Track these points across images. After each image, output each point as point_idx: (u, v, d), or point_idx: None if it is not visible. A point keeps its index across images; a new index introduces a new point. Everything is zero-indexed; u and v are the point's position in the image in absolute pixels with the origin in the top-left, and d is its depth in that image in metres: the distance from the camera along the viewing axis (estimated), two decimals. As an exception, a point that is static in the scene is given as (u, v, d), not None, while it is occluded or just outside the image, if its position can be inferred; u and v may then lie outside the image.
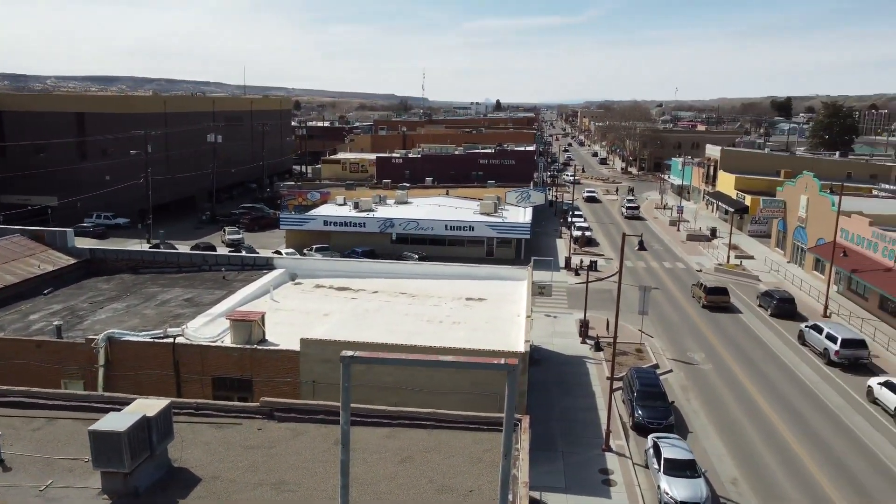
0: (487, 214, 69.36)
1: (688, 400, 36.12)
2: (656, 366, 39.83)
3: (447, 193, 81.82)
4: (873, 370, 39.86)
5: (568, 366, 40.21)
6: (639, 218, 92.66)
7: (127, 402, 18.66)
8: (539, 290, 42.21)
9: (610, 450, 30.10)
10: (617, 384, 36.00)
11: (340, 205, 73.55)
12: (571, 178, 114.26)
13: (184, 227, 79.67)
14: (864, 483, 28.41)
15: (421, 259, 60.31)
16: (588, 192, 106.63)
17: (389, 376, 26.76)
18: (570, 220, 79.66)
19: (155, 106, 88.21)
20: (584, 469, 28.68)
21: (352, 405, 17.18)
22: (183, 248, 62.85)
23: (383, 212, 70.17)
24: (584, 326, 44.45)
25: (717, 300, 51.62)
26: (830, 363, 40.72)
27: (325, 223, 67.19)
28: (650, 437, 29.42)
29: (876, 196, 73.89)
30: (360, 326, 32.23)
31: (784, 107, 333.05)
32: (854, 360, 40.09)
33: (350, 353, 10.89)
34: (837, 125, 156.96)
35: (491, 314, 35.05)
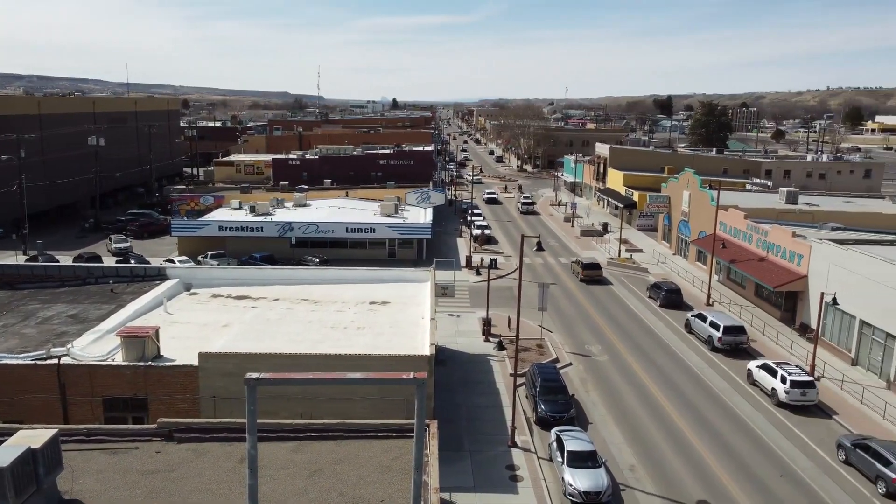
0: (388, 216, 69.29)
1: (587, 392, 37.58)
2: (556, 360, 41.18)
3: (347, 195, 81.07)
4: (752, 354, 42.90)
5: (472, 364, 40.86)
6: (534, 213, 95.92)
7: (8, 433, 17.37)
8: (442, 292, 42.65)
9: (515, 445, 30.87)
10: (520, 380, 36.99)
11: (236, 209, 71.31)
12: (472, 177, 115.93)
13: (65, 236, 74.74)
14: (747, 461, 30.56)
15: (322, 263, 59.50)
16: (488, 193, 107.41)
17: (296, 386, 26.28)
18: (469, 218, 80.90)
19: (28, 107, 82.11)
20: (492, 466, 29.28)
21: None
22: (65, 259, 58.99)
23: (281, 215, 68.65)
24: (486, 325, 45.27)
25: (591, 274, 60.40)
26: (714, 349, 43.49)
27: (221, 228, 64.94)
28: (553, 430, 30.40)
29: (749, 190, 79.45)
30: (262, 336, 31.46)
31: (665, 105, 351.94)
32: (735, 345, 43.04)
33: (255, 375, 10.64)
34: (713, 123, 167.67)
35: (395, 317, 35.10)
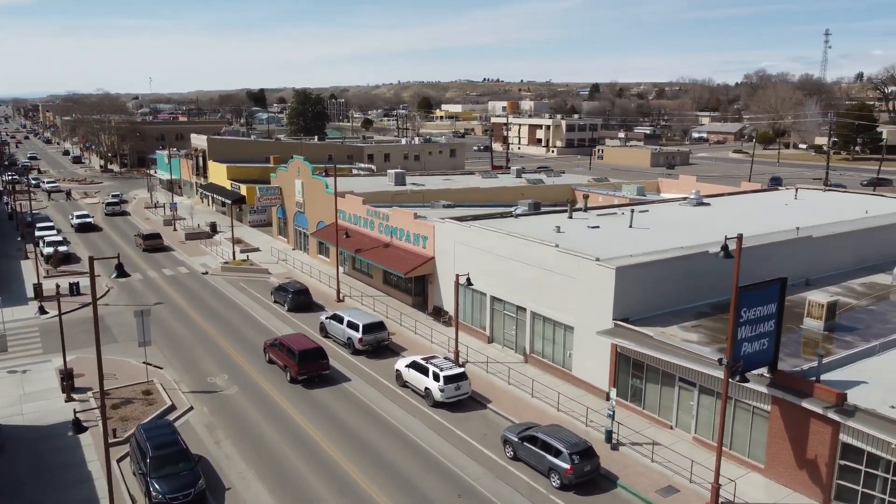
0: None
1: (217, 443, 29.32)
2: (172, 408, 31.86)
3: None
4: (396, 350, 39.47)
5: (49, 440, 29.18)
6: (123, 214, 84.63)
7: None
8: (-14, 346, 29.65)
9: (122, 560, 21.45)
10: (123, 451, 27.15)
11: None
12: (48, 183, 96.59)
13: None
14: (420, 486, 26.16)
15: None
16: (80, 216, 76.53)
17: None
18: (36, 234, 63.95)
19: None
20: None
21: None
22: None
23: None
24: (67, 378, 33.37)
25: (152, 244, 64.75)
26: (356, 352, 38.94)
27: None
28: (177, 521, 21.81)
29: (357, 175, 78.31)
30: None
31: (259, 98, 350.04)
32: (377, 343, 39.08)
33: None
34: (310, 112, 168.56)
35: None
